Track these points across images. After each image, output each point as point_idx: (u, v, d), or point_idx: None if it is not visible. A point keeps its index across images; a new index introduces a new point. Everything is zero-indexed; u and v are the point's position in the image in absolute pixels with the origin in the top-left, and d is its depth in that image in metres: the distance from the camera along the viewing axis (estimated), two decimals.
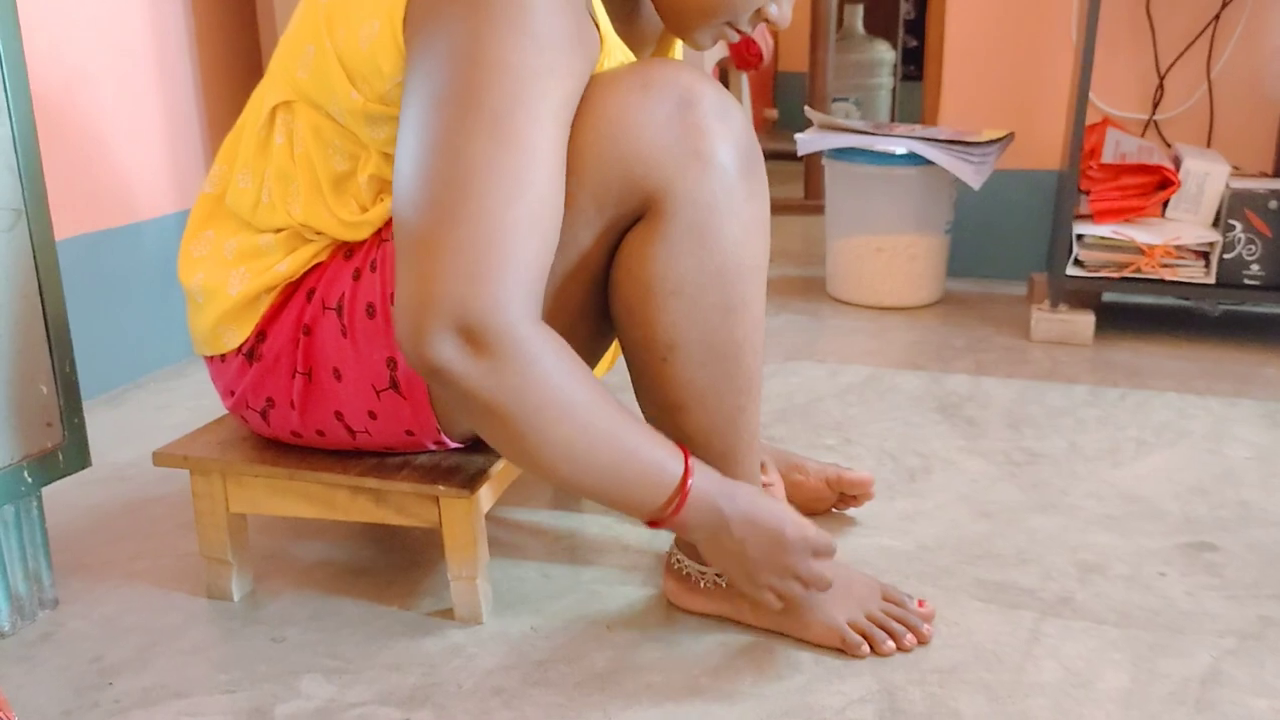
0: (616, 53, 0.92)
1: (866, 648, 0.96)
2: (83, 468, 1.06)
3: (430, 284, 0.77)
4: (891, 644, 0.96)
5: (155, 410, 1.59)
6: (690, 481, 0.87)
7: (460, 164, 0.78)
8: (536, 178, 0.80)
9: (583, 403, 0.82)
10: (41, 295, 1.00)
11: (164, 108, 1.75)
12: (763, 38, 2.31)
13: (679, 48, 1.14)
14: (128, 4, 1.66)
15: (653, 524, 0.89)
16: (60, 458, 1.03)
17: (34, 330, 1.00)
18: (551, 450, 0.81)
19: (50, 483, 1.03)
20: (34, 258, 0.99)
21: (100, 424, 1.53)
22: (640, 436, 0.85)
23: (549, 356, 0.80)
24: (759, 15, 0.96)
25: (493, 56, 0.79)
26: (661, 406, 0.94)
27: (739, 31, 0.98)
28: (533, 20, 0.80)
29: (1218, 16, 2.04)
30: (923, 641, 0.98)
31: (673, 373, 0.92)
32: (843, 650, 0.97)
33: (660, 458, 0.86)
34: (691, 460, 0.88)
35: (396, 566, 1.13)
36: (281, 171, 0.95)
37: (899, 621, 0.98)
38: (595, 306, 0.94)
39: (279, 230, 0.97)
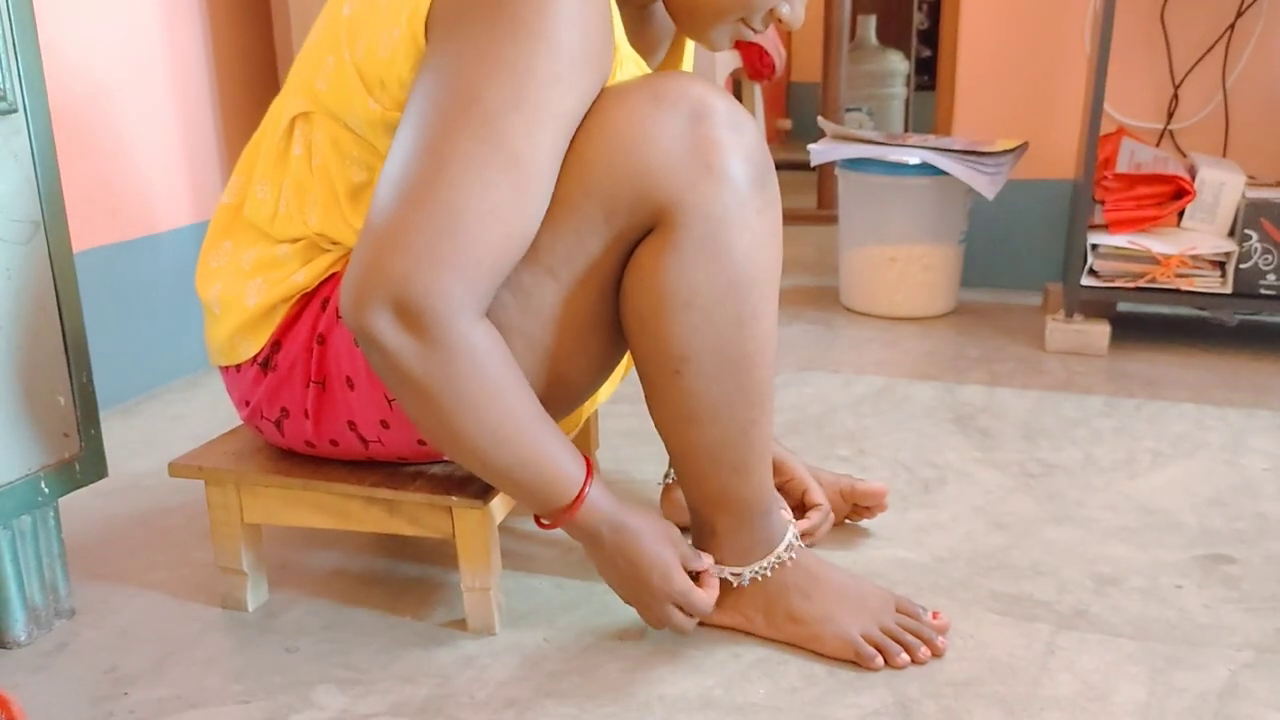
0: (629, 63, 0.93)
1: (880, 660, 0.95)
2: (99, 478, 1.06)
3: (380, 256, 0.80)
4: (905, 657, 0.96)
5: (171, 420, 1.60)
6: (586, 491, 0.91)
7: (440, 154, 0.81)
8: (512, 180, 0.82)
9: (505, 401, 0.86)
10: (59, 307, 1.01)
11: (181, 120, 1.76)
12: (775, 48, 2.31)
13: (689, 56, 1.14)
14: (145, 18, 1.67)
15: (541, 522, 0.95)
16: (77, 468, 1.04)
17: (51, 341, 1.01)
18: (466, 438, 0.86)
19: (67, 493, 1.03)
20: (52, 269, 1.00)
21: (117, 434, 1.54)
22: (556, 440, 0.90)
23: (480, 352, 0.84)
24: (771, 15, 0.97)
25: (502, 58, 0.81)
26: (673, 419, 0.94)
27: (753, 30, 0.98)
28: (553, 28, 0.81)
29: (1232, 25, 2.03)
30: (937, 654, 0.97)
31: (685, 385, 0.92)
32: (856, 663, 0.96)
33: (569, 464, 0.91)
34: (595, 478, 0.93)
35: (410, 577, 1.14)
36: (299, 182, 0.95)
37: (913, 634, 0.98)
38: (607, 318, 0.94)
39: (296, 240, 0.97)
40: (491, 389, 0.85)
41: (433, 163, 0.81)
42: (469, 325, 0.82)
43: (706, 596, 0.96)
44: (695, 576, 0.98)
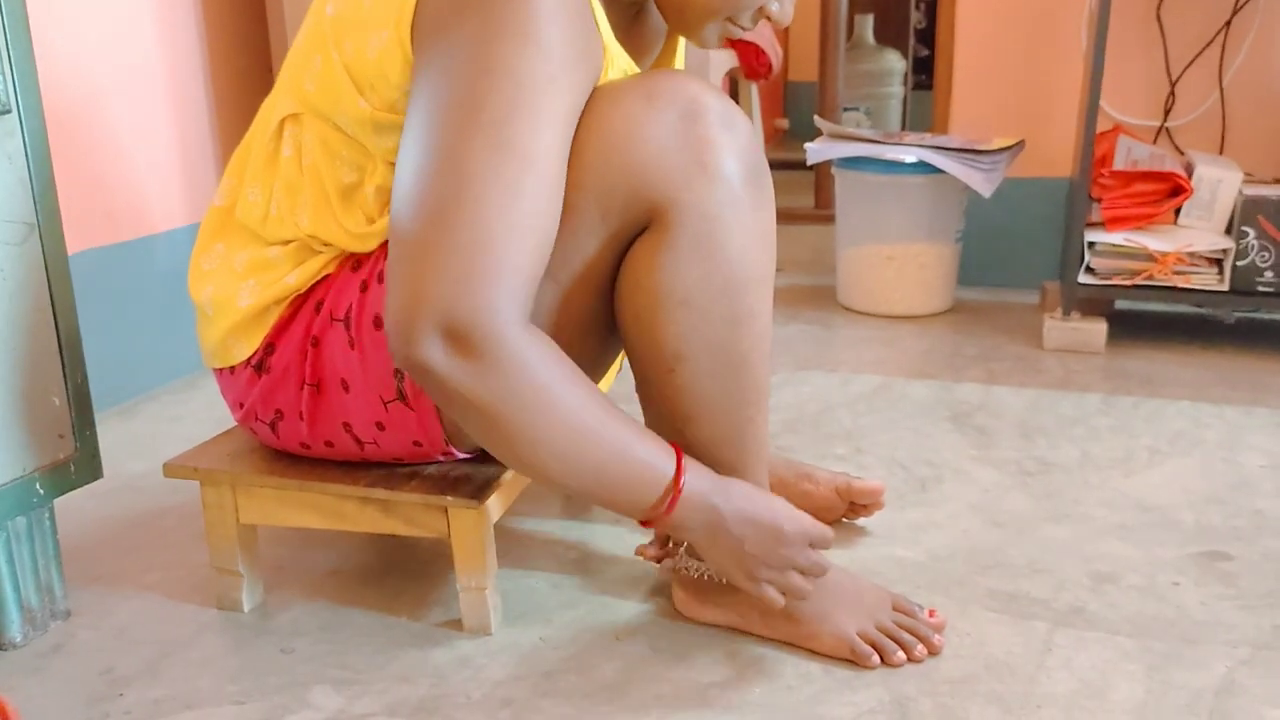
0: (619, 61, 0.92)
1: (877, 658, 0.95)
2: (94, 479, 1.06)
3: (420, 285, 0.78)
4: (902, 655, 0.96)
5: (168, 421, 1.59)
6: (684, 479, 0.87)
7: (457, 168, 0.79)
8: (532, 184, 0.80)
9: (572, 403, 0.83)
10: (54, 308, 1.01)
11: (176, 122, 1.76)
12: (772, 47, 2.31)
13: (681, 56, 1.14)
14: (141, 19, 1.67)
15: (645, 523, 0.90)
16: (72, 469, 1.04)
17: (46, 342, 1.01)
18: (541, 450, 0.83)
19: (62, 494, 1.03)
20: (46, 271, 1.00)
21: (113, 435, 1.54)
22: (631, 435, 0.86)
23: (535, 360, 0.81)
24: (761, 12, 0.96)
25: (496, 63, 0.80)
26: (669, 417, 0.94)
27: (741, 28, 0.98)
28: (539, 29, 0.81)
29: (1229, 23, 2.03)
30: (934, 652, 0.97)
31: (680, 383, 0.92)
32: (853, 661, 0.96)
33: (652, 457, 0.87)
34: (685, 459, 0.88)
35: (406, 577, 1.14)
36: (290, 183, 0.95)
37: (910, 632, 0.98)
38: (602, 317, 0.94)
39: (288, 242, 0.97)
40: (553, 395, 0.82)
41: (452, 180, 0.79)
42: (519, 336, 0.80)
43: (828, 531, 0.94)
44: None
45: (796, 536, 0.92)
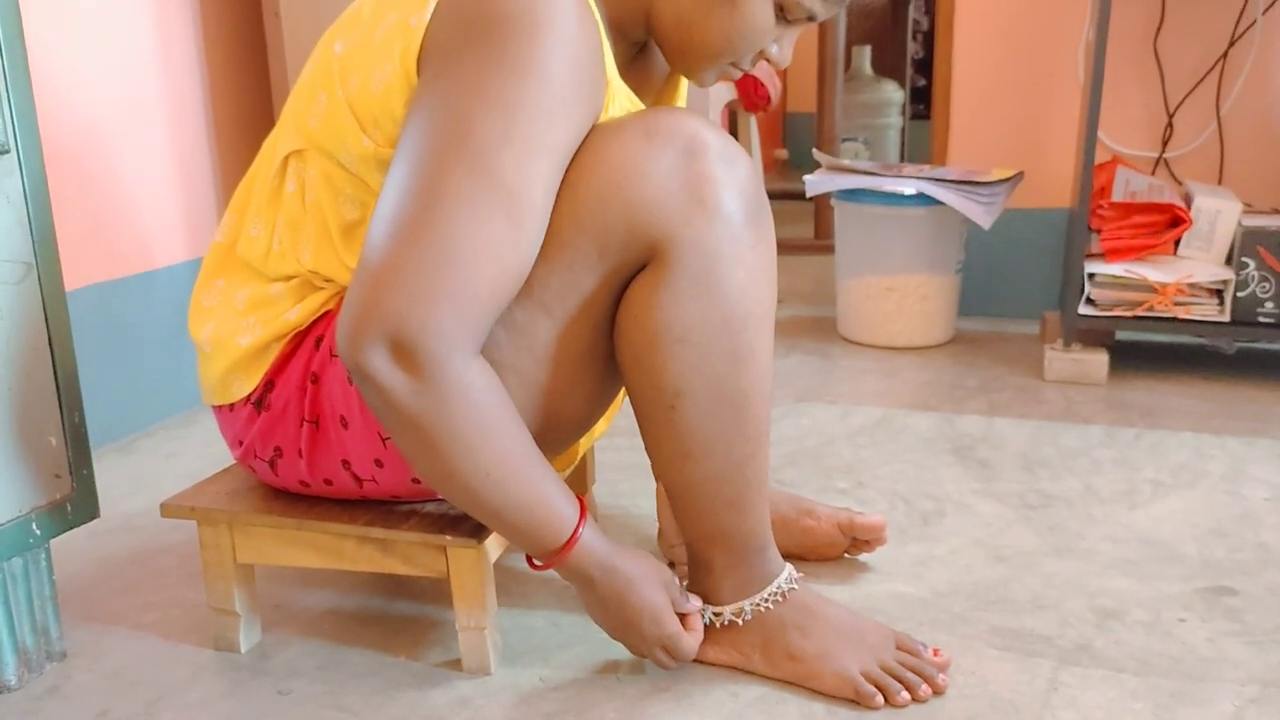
0: (621, 98, 0.93)
1: (880, 698, 0.94)
2: (91, 519, 1.06)
3: (377, 294, 0.80)
4: (906, 695, 0.95)
5: (166, 458, 1.59)
6: (579, 534, 0.90)
7: (434, 189, 0.81)
8: (506, 215, 0.81)
9: (502, 437, 0.85)
10: (51, 347, 1.01)
11: (177, 158, 1.76)
12: (770, 80, 2.32)
13: (683, 93, 1.15)
14: (141, 55, 1.68)
15: (534, 563, 0.94)
16: (69, 509, 1.03)
17: (43, 382, 1.00)
18: (461, 476, 0.85)
19: (59, 534, 1.02)
20: (44, 310, 1.00)
21: (111, 472, 1.53)
22: (548, 482, 0.89)
23: (475, 390, 0.83)
24: (760, 55, 0.97)
25: (494, 92, 0.81)
26: (669, 454, 0.94)
27: (740, 70, 0.99)
28: (543, 62, 0.81)
29: (1225, 54, 2.04)
30: (938, 691, 0.96)
31: (680, 420, 0.91)
32: (856, 701, 0.95)
33: (562, 506, 0.90)
34: (588, 521, 0.92)
35: (404, 616, 1.13)
36: (292, 219, 0.95)
37: (913, 671, 0.97)
38: (601, 353, 0.94)
39: (289, 278, 0.97)
40: (486, 428, 0.84)
41: (426, 199, 0.80)
42: (465, 363, 0.82)
43: (692, 641, 0.96)
44: (682, 617, 0.97)
45: (651, 639, 0.95)
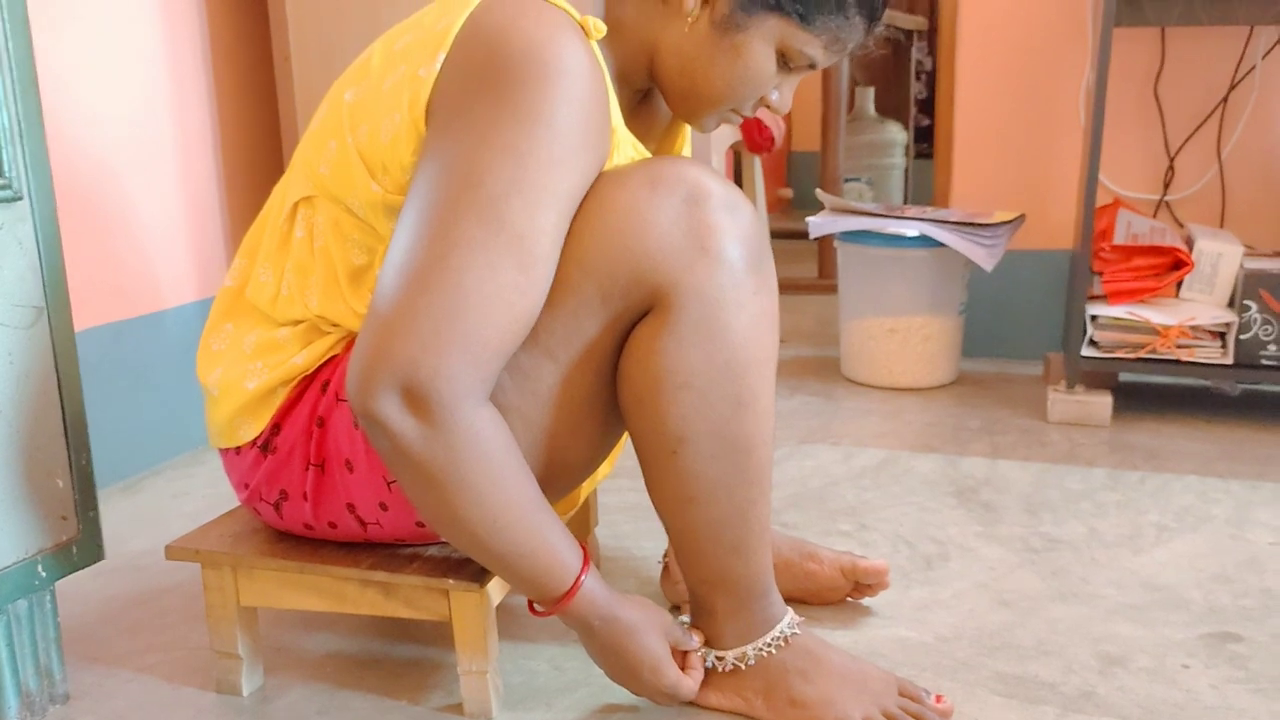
0: (626, 146, 0.94)
1: None
2: (96, 560, 1.06)
3: (388, 340, 0.81)
4: None
5: (172, 498, 1.59)
6: (581, 582, 0.91)
7: (445, 238, 0.82)
8: (515, 262, 0.82)
9: (509, 485, 0.86)
10: (60, 390, 1.02)
11: (187, 200, 1.78)
12: (774, 121, 2.34)
13: (687, 138, 1.16)
14: (152, 97, 1.70)
15: (535, 608, 0.94)
16: (74, 551, 1.04)
17: (51, 424, 1.01)
18: (468, 523, 0.86)
19: (64, 576, 1.03)
20: (54, 353, 1.01)
21: (117, 512, 1.53)
22: (554, 529, 0.90)
23: (484, 436, 0.84)
24: (761, 101, 0.99)
25: (504, 141, 0.82)
26: (671, 499, 0.94)
27: (742, 116, 1.01)
28: (553, 112, 0.83)
29: (1226, 98, 2.06)
30: None
31: (682, 465, 0.92)
32: None
33: (566, 554, 0.90)
34: (590, 570, 0.92)
35: (406, 659, 1.13)
36: (300, 264, 0.96)
37: (916, 718, 0.96)
38: (604, 398, 0.94)
39: (297, 323, 0.98)
40: (494, 475, 0.85)
41: (437, 247, 0.81)
42: (474, 410, 0.83)
43: (691, 684, 0.97)
44: (683, 656, 0.98)
45: (650, 686, 0.96)
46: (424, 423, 0.81)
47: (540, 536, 0.88)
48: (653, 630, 0.95)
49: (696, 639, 0.99)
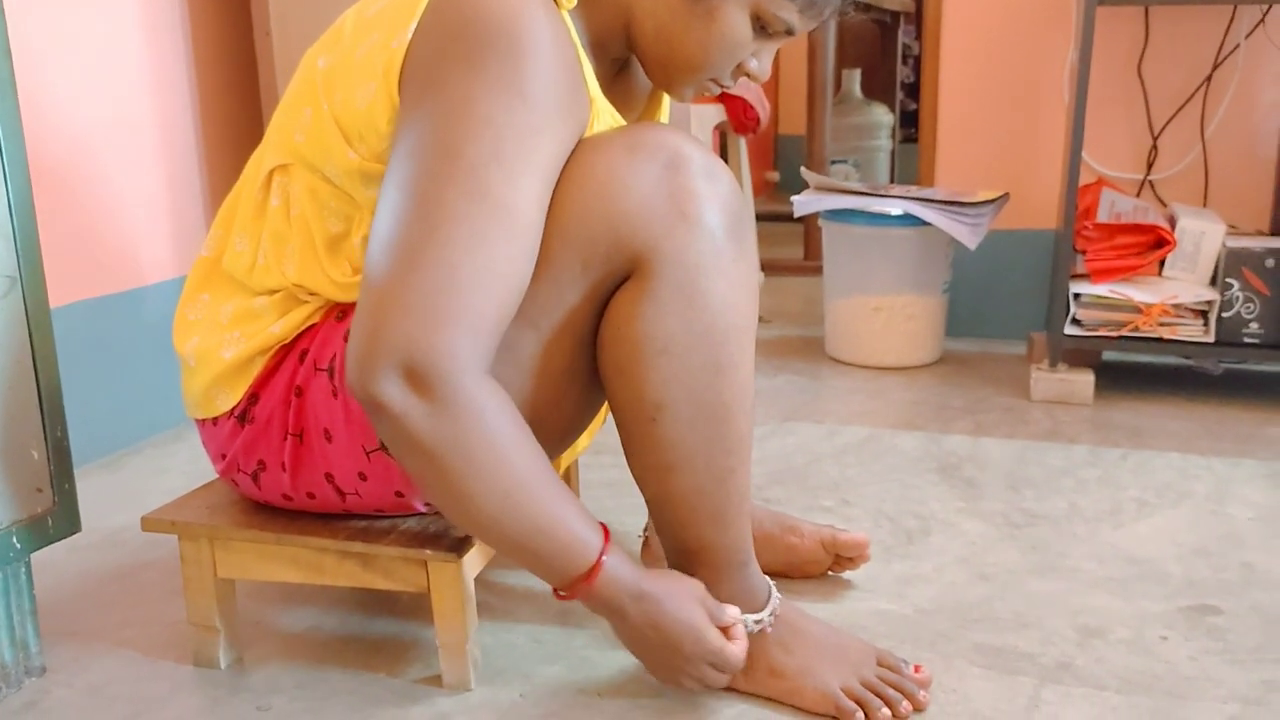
0: (605, 115, 0.93)
1: (861, 715, 0.94)
2: (72, 533, 1.05)
3: (384, 322, 0.79)
4: (887, 711, 0.95)
5: (151, 475, 1.58)
6: (603, 560, 0.87)
7: (430, 213, 0.80)
8: (503, 232, 0.81)
9: (517, 460, 0.84)
10: (35, 361, 1.01)
11: (166, 174, 1.77)
12: (760, 102, 2.34)
13: (666, 110, 1.16)
14: (132, 72, 1.68)
15: (559, 594, 0.90)
16: (50, 523, 1.03)
17: (26, 396, 1.00)
18: (478, 501, 0.83)
19: (39, 548, 1.02)
20: (28, 324, 1.00)
21: (96, 488, 1.52)
22: (568, 506, 0.87)
23: (489, 410, 0.82)
24: (740, 70, 0.98)
25: (480, 112, 0.81)
26: (650, 467, 0.94)
27: (721, 86, 1.00)
28: (526, 81, 0.82)
29: (1209, 77, 2.06)
30: (919, 708, 0.96)
31: (661, 433, 0.92)
32: (836, 717, 0.95)
33: (584, 531, 0.87)
34: (612, 546, 0.89)
35: (384, 632, 1.12)
36: (277, 233, 0.96)
37: (895, 688, 0.96)
38: (584, 367, 0.94)
39: (274, 292, 0.97)
40: (503, 449, 0.83)
41: (424, 223, 0.80)
42: (476, 383, 0.81)
43: (739, 651, 0.92)
44: (723, 630, 0.93)
45: (695, 656, 0.91)
46: (428, 401, 0.79)
47: (556, 511, 0.85)
48: (686, 597, 0.91)
49: (733, 609, 0.94)
